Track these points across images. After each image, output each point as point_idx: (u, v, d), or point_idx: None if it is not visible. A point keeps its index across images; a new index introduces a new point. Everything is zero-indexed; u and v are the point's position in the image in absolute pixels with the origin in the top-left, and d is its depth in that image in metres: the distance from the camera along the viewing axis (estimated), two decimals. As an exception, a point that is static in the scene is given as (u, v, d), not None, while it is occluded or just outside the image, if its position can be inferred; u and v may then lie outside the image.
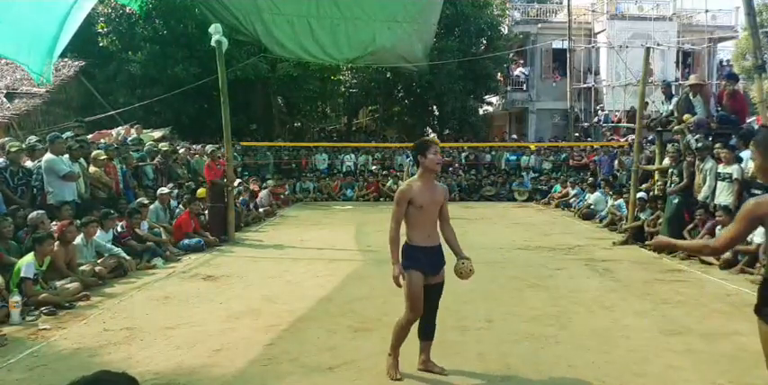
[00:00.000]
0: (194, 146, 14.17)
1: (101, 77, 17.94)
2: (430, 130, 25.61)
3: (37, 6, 5.96)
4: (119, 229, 7.83)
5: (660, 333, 4.85)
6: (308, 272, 7.30)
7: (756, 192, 7.71)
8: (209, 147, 10.83)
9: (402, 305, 3.95)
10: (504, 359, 4.25)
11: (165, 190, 9.67)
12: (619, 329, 4.97)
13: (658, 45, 21.63)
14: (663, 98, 10.63)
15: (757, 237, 7.06)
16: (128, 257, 7.26)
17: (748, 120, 10.50)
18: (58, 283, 6.00)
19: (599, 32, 24.43)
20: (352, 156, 18.60)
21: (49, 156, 7.69)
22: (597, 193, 12.71)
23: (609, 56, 23.57)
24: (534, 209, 15.17)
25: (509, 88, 25.12)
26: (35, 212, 6.77)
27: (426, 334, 3.97)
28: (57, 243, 6.24)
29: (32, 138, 9.11)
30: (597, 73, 24.28)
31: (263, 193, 13.56)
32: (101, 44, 17.80)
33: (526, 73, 25.09)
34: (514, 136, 25.11)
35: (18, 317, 5.15)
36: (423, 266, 3.83)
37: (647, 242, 2.93)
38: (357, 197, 16.73)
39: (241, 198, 12.36)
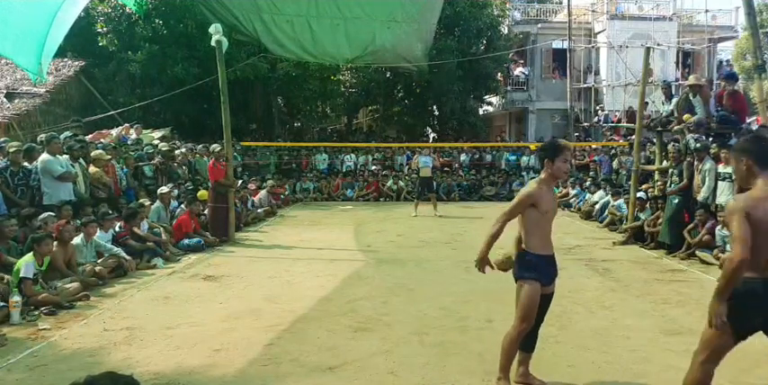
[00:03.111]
0: (197, 146, 14.14)
1: (101, 77, 17.93)
2: (430, 130, 25.63)
3: (27, 2, 5.92)
4: (116, 229, 7.83)
5: (660, 333, 4.85)
6: (308, 272, 7.30)
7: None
8: (215, 147, 10.80)
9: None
10: (504, 359, 4.24)
11: (165, 189, 9.67)
12: (619, 329, 4.97)
13: (658, 45, 21.62)
14: (663, 98, 10.63)
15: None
16: (128, 257, 7.25)
17: (748, 121, 10.50)
18: (58, 283, 6.00)
19: (599, 32, 24.43)
20: (352, 156, 18.60)
21: (45, 156, 7.67)
22: (600, 192, 12.69)
23: (609, 56, 23.57)
24: (534, 209, 15.14)
25: (509, 88, 25.11)
26: (45, 214, 6.78)
27: (529, 345, 3.77)
28: (55, 243, 6.24)
29: (42, 136, 9.02)
30: (597, 73, 24.28)
31: (261, 193, 13.56)
32: (100, 44, 17.79)
33: (526, 73, 25.09)
34: (514, 137, 25.17)
35: (18, 317, 5.15)
36: (542, 277, 3.61)
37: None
38: (357, 197, 16.73)
39: (250, 200, 12.38)
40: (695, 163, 8.49)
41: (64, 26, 6.39)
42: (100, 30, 17.94)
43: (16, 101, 14.68)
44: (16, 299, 5.20)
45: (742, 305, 2.82)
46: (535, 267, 3.59)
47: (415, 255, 8.39)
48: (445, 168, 17.71)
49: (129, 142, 11.88)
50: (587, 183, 14.21)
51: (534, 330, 3.73)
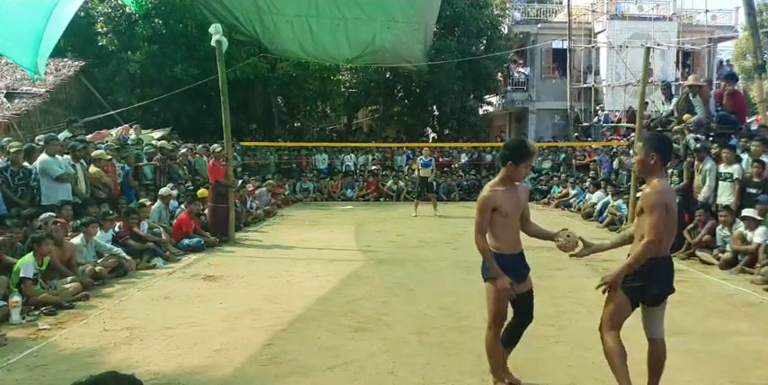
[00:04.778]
0: (197, 146, 14.13)
1: (100, 77, 17.92)
2: (430, 130, 25.62)
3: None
4: (116, 229, 7.83)
5: (660, 333, 4.84)
6: (308, 272, 7.30)
7: (751, 191, 7.73)
8: (214, 147, 10.79)
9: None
10: (504, 359, 4.24)
11: (166, 190, 9.66)
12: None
13: (658, 45, 21.61)
14: (663, 98, 10.64)
15: (757, 236, 7.07)
16: (128, 257, 7.26)
17: (748, 120, 10.51)
18: (58, 283, 6.00)
19: (599, 32, 24.42)
20: (352, 156, 18.60)
21: (43, 157, 7.66)
22: (599, 192, 12.69)
23: (609, 56, 23.57)
24: (534, 209, 15.11)
25: (509, 88, 25.12)
26: (46, 214, 6.77)
27: (511, 342, 3.79)
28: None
29: (40, 137, 9.01)
30: (597, 73, 24.27)
31: (260, 192, 13.55)
32: (100, 44, 17.78)
33: (526, 73, 25.08)
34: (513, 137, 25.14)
35: (18, 317, 5.15)
36: (511, 275, 3.59)
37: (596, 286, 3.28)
38: (357, 197, 16.73)
39: (249, 200, 12.37)
40: (695, 163, 8.48)
41: (61, 23, 6.35)
42: (100, 30, 17.92)
43: (16, 101, 14.69)
44: (16, 299, 5.21)
45: (647, 278, 3.35)
46: (504, 267, 3.57)
47: (415, 255, 8.39)
48: (445, 168, 17.72)
49: (129, 142, 11.88)
50: (587, 183, 14.23)
51: (519, 328, 3.77)
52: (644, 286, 3.37)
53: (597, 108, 23.47)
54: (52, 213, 6.90)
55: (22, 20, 5.91)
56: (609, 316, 3.53)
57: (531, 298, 3.78)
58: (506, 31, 24.22)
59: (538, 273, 7.16)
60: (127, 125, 13.06)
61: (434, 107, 23.55)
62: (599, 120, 22.26)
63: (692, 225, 8.29)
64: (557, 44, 24.59)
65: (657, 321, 3.52)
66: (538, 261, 8.01)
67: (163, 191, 9.67)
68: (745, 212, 7.29)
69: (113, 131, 12.41)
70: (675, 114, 9.53)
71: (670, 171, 9.01)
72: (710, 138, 8.86)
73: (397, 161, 18.56)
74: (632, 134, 12.21)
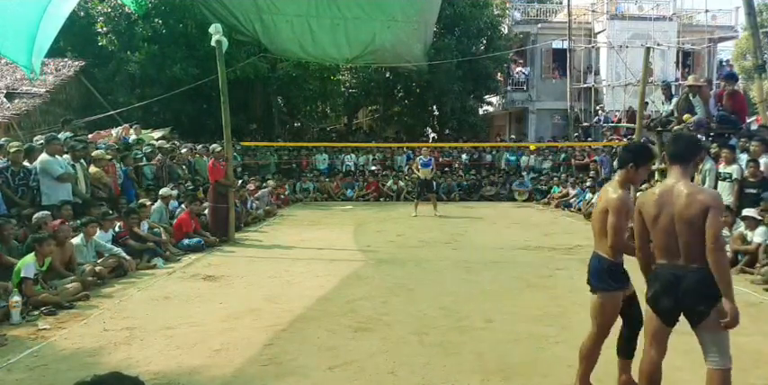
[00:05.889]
0: (197, 146, 14.14)
1: (100, 77, 17.92)
2: (430, 130, 25.62)
3: None
4: (116, 229, 7.83)
5: (660, 333, 4.84)
6: (308, 272, 7.30)
7: (750, 191, 7.74)
8: (214, 147, 10.78)
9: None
10: (503, 359, 4.24)
11: (167, 191, 9.66)
12: (618, 329, 4.95)
13: (658, 45, 21.62)
14: (663, 98, 10.64)
15: (757, 236, 7.07)
16: (128, 257, 7.25)
17: (748, 120, 10.51)
18: (58, 283, 6.00)
19: (599, 32, 24.41)
20: (353, 156, 18.60)
21: (44, 157, 7.67)
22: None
23: (609, 56, 23.56)
24: (534, 209, 15.18)
25: (509, 88, 25.12)
26: (41, 213, 6.77)
27: (629, 352, 3.66)
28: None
29: (38, 137, 9.03)
30: (597, 73, 24.27)
31: (262, 192, 13.55)
32: (100, 44, 17.78)
33: (526, 73, 25.09)
34: (513, 136, 25.13)
35: (18, 317, 5.15)
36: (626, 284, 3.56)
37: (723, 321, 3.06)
38: (357, 197, 16.74)
39: (249, 200, 12.37)
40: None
41: (56, 21, 6.34)
42: (100, 30, 17.92)
43: (16, 101, 14.69)
44: (16, 299, 5.20)
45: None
46: (623, 277, 3.56)
47: (415, 255, 8.39)
48: (445, 168, 17.72)
49: (130, 141, 11.88)
50: (587, 183, 14.23)
51: (633, 336, 3.66)
52: (650, 294, 3.24)
53: (597, 108, 23.47)
54: (47, 212, 6.88)
55: (15, 17, 5.90)
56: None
57: (638, 301, 3.68)
58: (506, 31, 24.20)
59: (538, 272, 7.22)
60: (127, 125, 13.06)
61: (434, 107, 23.54)
62: (599, 120, 22.26)
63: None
64: (557, 44, 24.58)
65: (705, 345, 3.13)
66: (538, 261, 8.04)
67: (163, 191, 9.67)
68: (746, 212, 7.29)
69: (113, 131, 12.41)
70: (675, 114, 9.53)
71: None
72: (710, 138, 8.86)
73: (397, 161, 18.57)
74: (632, 136, 12.19)
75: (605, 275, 3.54)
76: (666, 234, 3.11)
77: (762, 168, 7.73)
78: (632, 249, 3.44)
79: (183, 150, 12.74)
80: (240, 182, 12.37)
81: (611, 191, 3.48)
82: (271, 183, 14.78)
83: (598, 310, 3.53)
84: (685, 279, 3.04)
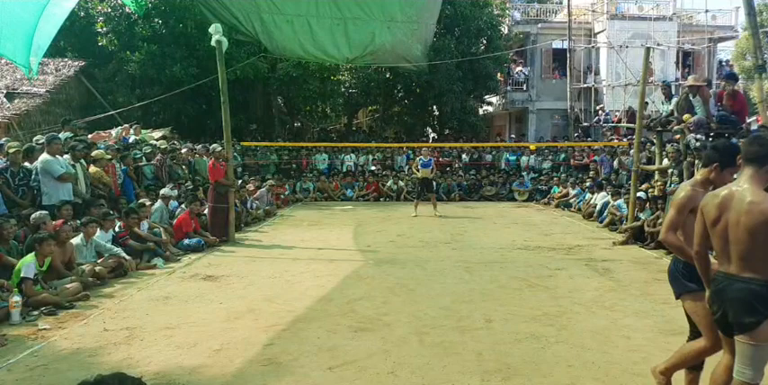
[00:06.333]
0: (197, 146, 14.14)
1: (100, 77, 17.93)
2: (430, 130, 25.62)
3: None
4: (116, 229, 7.83)
5: (660, 333, 4.85)
6: (308, 272, 7.30)
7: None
8: (214, 147, 10.77)
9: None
10: (503, 359, 4.24)
11: (167, 191, 9.65)
12: (619, 329, 4.97)
13: (658, 45, 21.63)
14: (663, 98, 10.63)
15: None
16: (128, 257, 7.26)
17: (748, 120, 10.51)
18: (58, 283, 6.00)
19: (599, 32, 24.42)
20: (353, 156, 18.60)
21: (44, 156, 7.66)
22: (603, 194, 12.61)
23: (609, 56, 23.56)
24: (534, 209, 15.17)
25: (509, 88, 25.12)
26: (38, 212, 6.77)
27: (698, 364, 3.50)
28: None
29: (38, 137, 9.03)
30: (597, 73, 24.27)
31: (261, 193, 13.55)
32: (100, 44, 17.79)
33: (526, 73, 25.09)
34: (512, 136, 25.13)
35: (18, 317, 5.15)
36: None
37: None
38: (357, 197, 16.73)
39: (249, 200, 12.36)
40: (695, 163, 8.48)
41: (55, 21, 6.34)
42: (99, 30, 17.94)
43: (16, 101, 14.69)
44: (16, 299, 5.20)
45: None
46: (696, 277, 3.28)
47: (415, 255, 8.39)
48: (446, 168, 17.71)
49: (130, 141, 11.88)
50: (587, 183, 14.23)
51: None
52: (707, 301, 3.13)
53: (597, 108, 23.48)
54: (45, 212, 6.87)
55: (13, 15, 5.90)
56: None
57: None
58: (506, 31, 24.21)
59: (538, 272, 7.22)
60: (127, 125, 13.07)
61: (434, 107, 23.55)
62: (599, 120, 22.27)
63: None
64: (557, 44, 24.57)
65: (740, 354, 2.94)
66: (538, 261, 8.04)
67: (164, 191, 9.66)
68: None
69: (113, 131, 12.42)
70: (675, 114, 9.51)
71: (670, 171, 9.02)
72: (710, 138, 8.85)
73: (397, 161, 18.56)
74: (632, 136, 12.20)
75: (679, 276, 3.39)
76: (722, 239, 2.94)
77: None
78: (681, 250, 3.29)
79: (183, 150, 12.74)
80: (240, 182, 12.36)
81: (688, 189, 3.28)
82: (269, 182, 14.76)
83: (691, 315, 3.39)
84: (731, 288, 2.90)
